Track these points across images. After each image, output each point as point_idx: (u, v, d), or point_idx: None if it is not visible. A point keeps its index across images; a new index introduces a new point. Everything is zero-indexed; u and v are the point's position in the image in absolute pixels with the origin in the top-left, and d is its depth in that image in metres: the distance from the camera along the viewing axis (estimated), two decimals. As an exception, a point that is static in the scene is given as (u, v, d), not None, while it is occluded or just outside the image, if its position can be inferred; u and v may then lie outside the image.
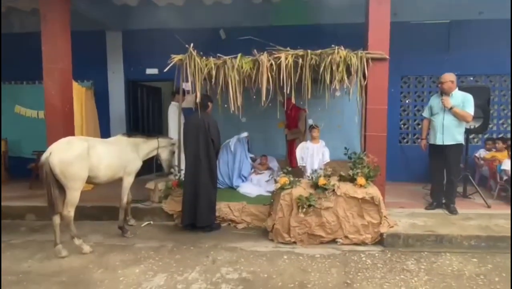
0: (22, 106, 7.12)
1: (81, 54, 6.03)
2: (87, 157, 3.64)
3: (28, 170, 6.32)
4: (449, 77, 4.36)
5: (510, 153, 5.05)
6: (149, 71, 6.95)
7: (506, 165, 4.98)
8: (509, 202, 4.82)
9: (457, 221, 4.15)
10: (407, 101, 6.67)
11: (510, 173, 4.90)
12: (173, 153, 4.88)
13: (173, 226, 4.55)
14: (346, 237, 3.85)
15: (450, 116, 4.32)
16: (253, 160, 5.85)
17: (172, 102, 5.91)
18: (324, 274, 3.17)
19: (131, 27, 6.79)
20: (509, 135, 6.26)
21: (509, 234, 3.73)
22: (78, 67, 5.46)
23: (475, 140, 6.46)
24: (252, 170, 5.67)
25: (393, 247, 3.75)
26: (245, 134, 5.67)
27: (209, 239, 4.05)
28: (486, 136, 6.21)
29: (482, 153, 5.93)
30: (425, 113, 4.72)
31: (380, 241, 3.84)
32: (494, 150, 5.77)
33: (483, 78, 6.39)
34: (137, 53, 6.84)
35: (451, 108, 4.29)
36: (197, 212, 4.19)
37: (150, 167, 5.21)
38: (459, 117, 4.30)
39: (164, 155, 4.68)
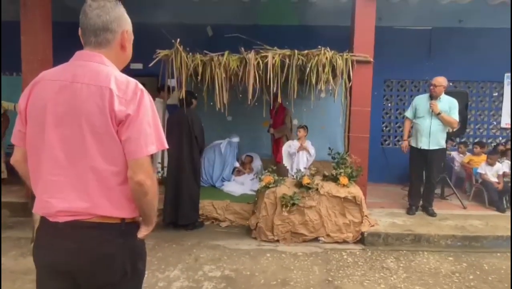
0: (-1, 99, 6.83)
1: (63, 47, 5.80)
2: None
3: (2, 165, 6.06)
4: (443, 82, 4.29)
5: (510, 156, 5.22)
6: (134, 66, 6.79)
7: (482, 169, 5.18)
8: (484, 203, 5.02)
9: (434, 221, 4.28)
10: (389, 104, 6.82)
11: (486, 176, 5.09)
12: None
13: (155, 223, 4.47)
14: (328, 235, 3.91)
15: (437, 121, 4.28)
16: (236, 159, 5.83)
17: (157, 99, 5.80)
18: (306, 272, 3.20)
19: (115, 20, 6.61)
20: (484, 140, 6.52)
21: (483, 234, 3.89)
22: (60, 60, 5.21)
23: (453, 144, 6.68)
24: (234, 171, 5.65)
25: (373, 246, 3.83)
26: (236, 139, 5.65)
27: (191, 237, 4.01)
28: (463, 140, 6.43)
29: (455, 155, 6.16)
30: (408, 114, 4.59)
31: (361, 239, 3.92)
32: (468, 153, 6.00)
33: (462, 84, 6.62)
34: (121, 47, 6.68)
35: (438, 113, 4.23)
36: (179, 210, 4.14)
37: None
38: (446, 123, 4.29)
39: None
